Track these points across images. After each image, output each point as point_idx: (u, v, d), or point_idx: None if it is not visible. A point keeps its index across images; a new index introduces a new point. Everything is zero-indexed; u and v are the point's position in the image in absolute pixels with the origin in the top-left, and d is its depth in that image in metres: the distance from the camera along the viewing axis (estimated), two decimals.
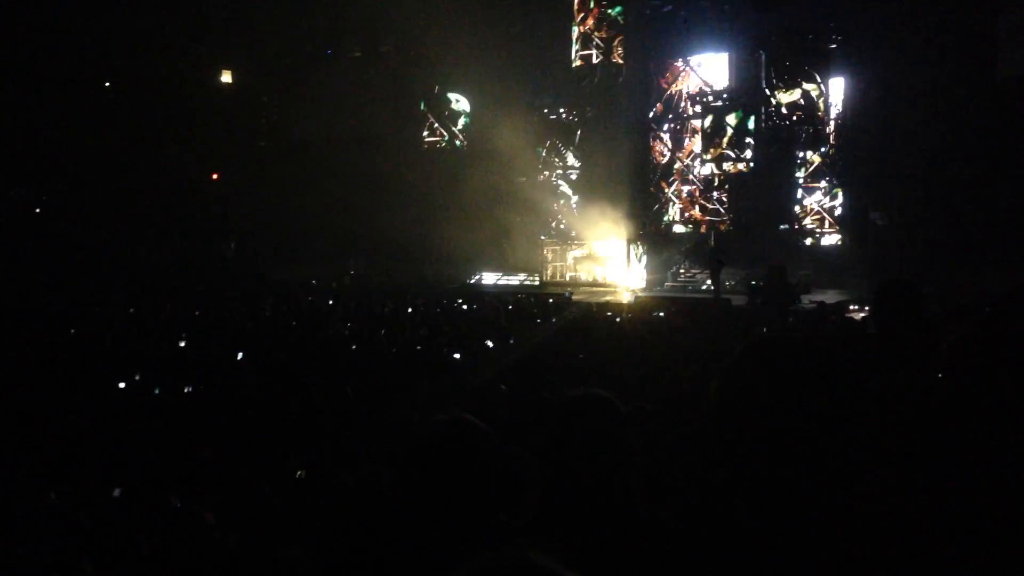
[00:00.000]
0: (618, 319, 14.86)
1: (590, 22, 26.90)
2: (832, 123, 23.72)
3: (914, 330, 3.41)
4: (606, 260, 24.44)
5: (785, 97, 23.65)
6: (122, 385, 7.67)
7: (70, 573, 2.89)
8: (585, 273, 24.68)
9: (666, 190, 25.90)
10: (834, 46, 23.08)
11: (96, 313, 14.40)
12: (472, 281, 25.34)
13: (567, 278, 24.74)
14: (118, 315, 14.43)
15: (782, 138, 23.86)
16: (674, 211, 25.90)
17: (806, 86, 23.56)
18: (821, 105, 23.67)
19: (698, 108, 25.44)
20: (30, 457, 5.03)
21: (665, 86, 25.91)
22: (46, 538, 3.48)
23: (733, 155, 24.86)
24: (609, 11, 26.60)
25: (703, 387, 2.79)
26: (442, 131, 29.13)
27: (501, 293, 20.80)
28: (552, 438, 2.13)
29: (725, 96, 24.89)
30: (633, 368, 7.97)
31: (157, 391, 7.56)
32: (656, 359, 8.50)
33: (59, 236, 25.10)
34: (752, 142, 24.48)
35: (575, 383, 7.66)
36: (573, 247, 25.47)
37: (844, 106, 23.45)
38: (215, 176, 30.32)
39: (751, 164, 24.57)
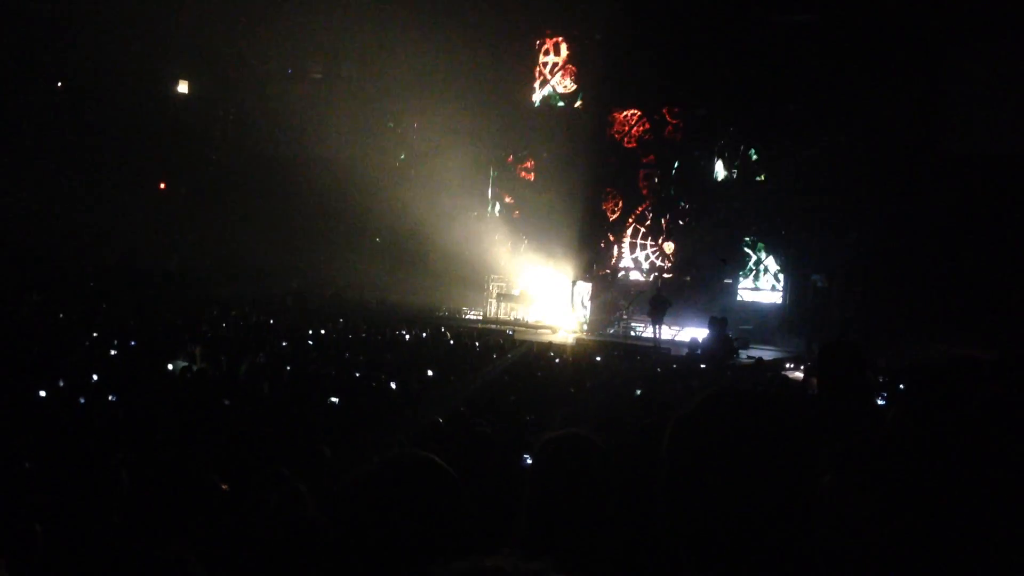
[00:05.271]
0: (557, 360, 14.88)
1: (552, 62, 27.19)
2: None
3: (857, 393, 3.42)
4: (549, 301, 24.49)
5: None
6: (43, 393, 7.38)
7: None
8: (528, 313, 24.68)
9: (613, 241, 26.10)
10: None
11: (23, 315, 13.97)
12: (416, 311, 25.16)
13: (510, 316, 24.71)
14: (47, 319, 14.00)
15: (730, 193, 24.32)
16: (620, 257, 26.07)
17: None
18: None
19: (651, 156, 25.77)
20: None
21: (619, 136, 26.14)
22: None
23: (682, 205, 25.22)
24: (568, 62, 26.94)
25: (649, 431, 2.79)
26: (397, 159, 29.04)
27: (443, 326, 20.68)
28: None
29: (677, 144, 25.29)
30: (570, 407, 7.94)
31: (82, 400, 7.30)
32: (594, 401, 8.49)
33: None
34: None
35: (510, 419, 7.60)
36: (517, 285, 25.47)
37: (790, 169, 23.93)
38: (162, 186, 29.82)
39: (694, 214, 24.92)
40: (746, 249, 24.30)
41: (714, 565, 1.45)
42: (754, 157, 24.45)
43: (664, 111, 25.57)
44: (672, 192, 25.50)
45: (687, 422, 1.58)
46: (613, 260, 26.07)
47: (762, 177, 24.36)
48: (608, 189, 26.26)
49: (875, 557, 2.01)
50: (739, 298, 24.10)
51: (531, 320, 24.17)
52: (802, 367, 16.02)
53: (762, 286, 24.24)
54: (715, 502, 1.48)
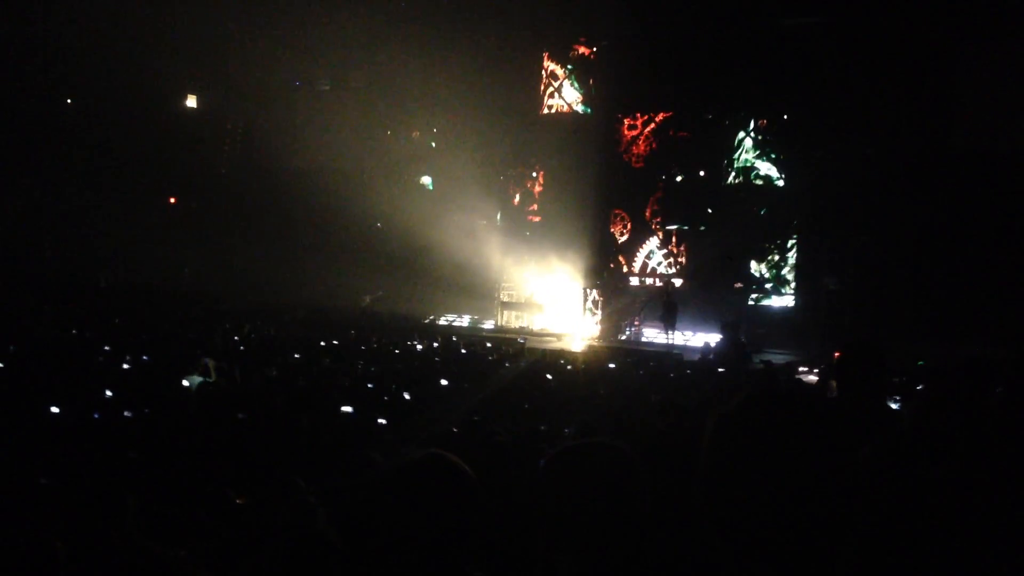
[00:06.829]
0: (569, 367, 14.83)
1: (559, 72, 27.16)
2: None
3: (877, 394, 3.37)
4: (556, 308, 24.44)
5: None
6: (55, 410, 7.35)
7: None
8: (534, 320, 24.62)
9: (623, 262, 25.95)
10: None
11: (38, 331, 14.02)
12: (427, 321, 25.17)
13: (521, 324, 24.63)
14: (61, 335, 14.05)
15: (742, 197, 24.20)
16: (631, 269, 25.92)
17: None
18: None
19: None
20: None
21: (626, 156, 25.87)
22: None
23: (692, 212, 25.03)
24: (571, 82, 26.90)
25: (669, 436, 2.76)
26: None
27: (454, 335, 20.68)
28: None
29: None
30: (586, 414, 7.90)
31: (96, 415, 7.30)
32: (611, 407, 8.45)
33: (7, 250, 24.47)
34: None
35: (525, 427, 7.56)
36: (524, 293, 25.39)
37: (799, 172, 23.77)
38: (172, 200, 29.92)
39: (704, 221, 24.78)
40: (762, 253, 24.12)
41: (754, 556, 1.45)
42: (763, 161, 24.31)
43: (671, 126, 25.31)
44: (681, 201, 25.24)
45: (731, 420, 1.58)
46: (624, 270, 25.94)
47: (774, 181, 24.22)
48: (616, 211, 26.08)
49: (893, 555, 2.01)
50: (751, 302, 23.93)
51: (536, 328, 24.12)
52: (816, 370, 15.93)
53: (772, 289, 24.08)
54: (756, 496, 1.48)
